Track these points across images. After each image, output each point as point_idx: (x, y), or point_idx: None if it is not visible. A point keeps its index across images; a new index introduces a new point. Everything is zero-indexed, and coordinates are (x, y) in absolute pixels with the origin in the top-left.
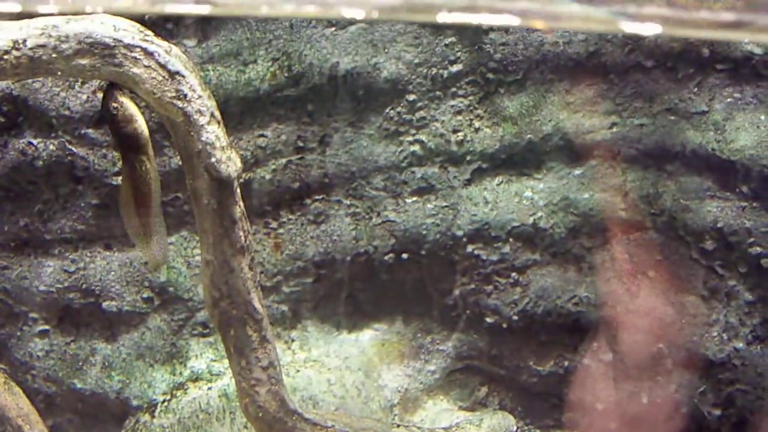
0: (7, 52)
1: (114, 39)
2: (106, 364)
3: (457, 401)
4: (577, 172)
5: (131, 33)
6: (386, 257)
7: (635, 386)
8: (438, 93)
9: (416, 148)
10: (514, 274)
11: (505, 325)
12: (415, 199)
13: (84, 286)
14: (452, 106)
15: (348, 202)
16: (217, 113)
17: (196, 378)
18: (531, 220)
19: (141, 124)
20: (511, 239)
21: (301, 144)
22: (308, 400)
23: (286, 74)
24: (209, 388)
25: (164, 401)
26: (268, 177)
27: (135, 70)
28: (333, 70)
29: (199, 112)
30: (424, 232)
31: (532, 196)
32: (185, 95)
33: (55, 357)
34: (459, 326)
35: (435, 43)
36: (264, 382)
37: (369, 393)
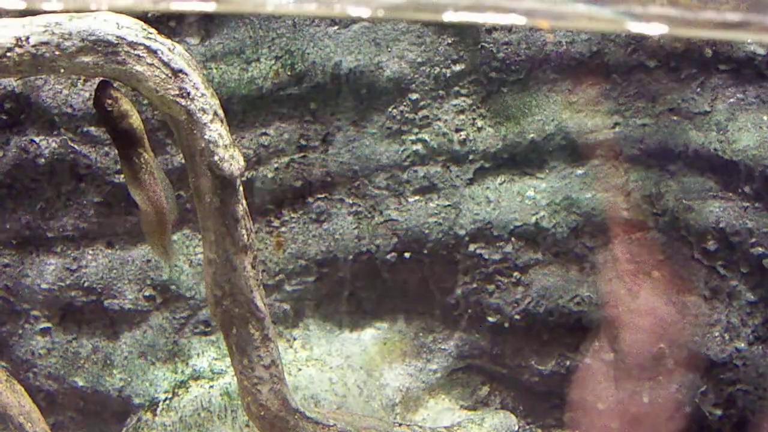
0: (9, 50)
1: (117, 37)
2: (108, 362)
3: (458, 400)
4: (580, 171)
5: (134, 31)
6: (388, 256)
7: (637, 386)
8: (441, 92)
9: (419, 147)
10: (516, 273)
11: (507, 325)
12: (417, 198)
13: (86, 284)
14: (455, 105)
15: (350, 201)
16: (220, 111)
17: (197, 376)
18: (533, 219)
19: (136, 119)
20: (513, 239)
21: (303, 142)
22: (310, 398)
23: (288, 73)
24: (211, 387)
25: (166, 399)
26: (270, 175)
27: (138, 67)
28: (336, 69)
29: (202, 110)
30: (427, 231)
31: (535, 196)
32: (188, 93)
33: (57, 355)
34: (461, 325)
35: (438, 42)
36: (266, 381)
37: (371, 392)
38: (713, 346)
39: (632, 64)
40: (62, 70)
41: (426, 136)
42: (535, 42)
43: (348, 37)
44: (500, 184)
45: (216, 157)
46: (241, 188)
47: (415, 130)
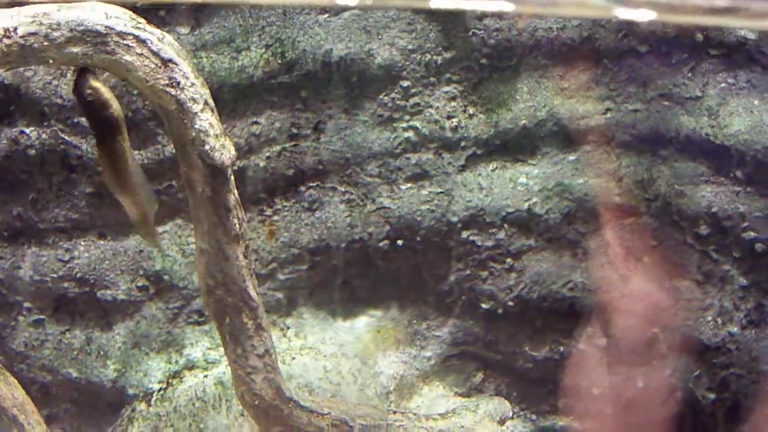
0: None
1: (106, 27)
2: (102, 353)
3: (453, 387)
4: (572, 157)
5: (123, 20)
6: (381, 244)
7: (630, 371)
8: (432, 79)
9: (410, 134)
10: (509, 259)
11: (500, 311)
12: (409, 185)
13: (78, 275)
14: (446, 92)
15: (342, 189)
16: (210, 101)
17: (191, 366)
18: (526, 205)
19: (116, 108)
20: (505, 225)
21: (295, 131)
22: (304, 387)
23: (279, 61)
24: (205, 376)
25: (160, 390)
26: (262, 164)
27: (127, 57)
28: (326, 57)
29: (193, 99)
30: (419, 219)
31: (527, 182)
32: (178, 83)
33: (50, 346)
34: (454, 312)
35: (429, 29)
36: (260, 370)
37: (365, 380)
38: (706, 330)
39: (623, 50)
40: (51, 61)
41: (417, 124)
42: (526, 28)
43: (338, 24)
44: (492, 170)
45: (207, 147)
46: (232, 178)
47: (407, 117)
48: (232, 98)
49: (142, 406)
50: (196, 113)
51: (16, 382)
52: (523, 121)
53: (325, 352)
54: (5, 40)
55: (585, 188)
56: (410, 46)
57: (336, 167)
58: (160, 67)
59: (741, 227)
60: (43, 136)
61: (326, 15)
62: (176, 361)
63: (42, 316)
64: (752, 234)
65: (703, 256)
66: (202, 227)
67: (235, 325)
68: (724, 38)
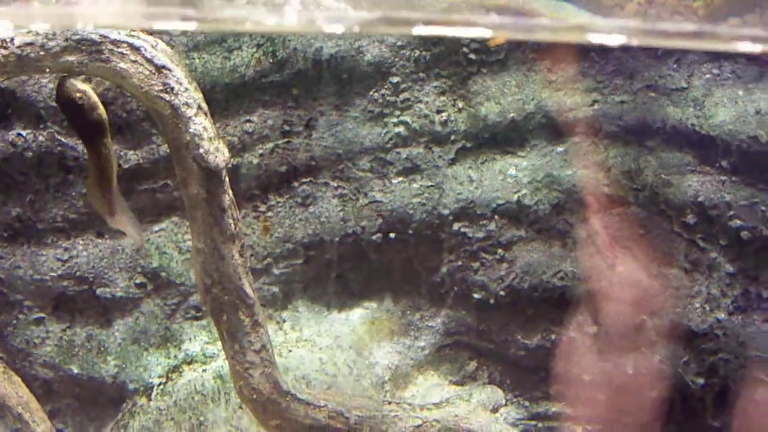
0: None
1: (100, 35)
2: (102, 349)
3: (447, 376)
4: (560, 149)
5: (117, 28)
6: (374, 237)
7: (620, 357)
8: (421, 74)
9: (401, 129)
10: (500, 250)
11: (492, 301)
12: (401, 179)
13: (77, 274)
14: (435, 87)
15: (335, 184)
16: (203, 105)
17: (190, 360)
18: (515, 197)
19: (102, 111)
20: (496, 216)
21: (287, 128)
22: (301, 379)
23: (270, 60)
24: (204, 370)
25: (160, 384)
26: (255, 161)
27: (122, 65)
28: (317, 55)
29: (186, 104)
30: (411, 212)
31: (516, 174)
32: (172, 88)
33: (52, 344)
34: (447, 303)
35: None
36: (257, 365)
37: (360, 371)
38: (694, 317)
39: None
40: (47, 70)
41: (408, 118)
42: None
43: None
44: (482, 163)
45: (201, 150)
46: (226, 179)
47: (397, 112)
48: (225, 97)
49: (143, 400)
50: (190, 117)
51: (20, 380)
52: (512, 114)
53: (321, 344)
54: (2, 51)
55: (573, 179)
56: (399, 43)
57: (328, 163)
58: (154, 73)
59: (727, 216)
60: (40, 138)
61: None
62: (175, 356)
63: (43, 315)
64: (738, 222)
65: (691, 245)
66: (197, 227)
67: (232, 322)
68: None
